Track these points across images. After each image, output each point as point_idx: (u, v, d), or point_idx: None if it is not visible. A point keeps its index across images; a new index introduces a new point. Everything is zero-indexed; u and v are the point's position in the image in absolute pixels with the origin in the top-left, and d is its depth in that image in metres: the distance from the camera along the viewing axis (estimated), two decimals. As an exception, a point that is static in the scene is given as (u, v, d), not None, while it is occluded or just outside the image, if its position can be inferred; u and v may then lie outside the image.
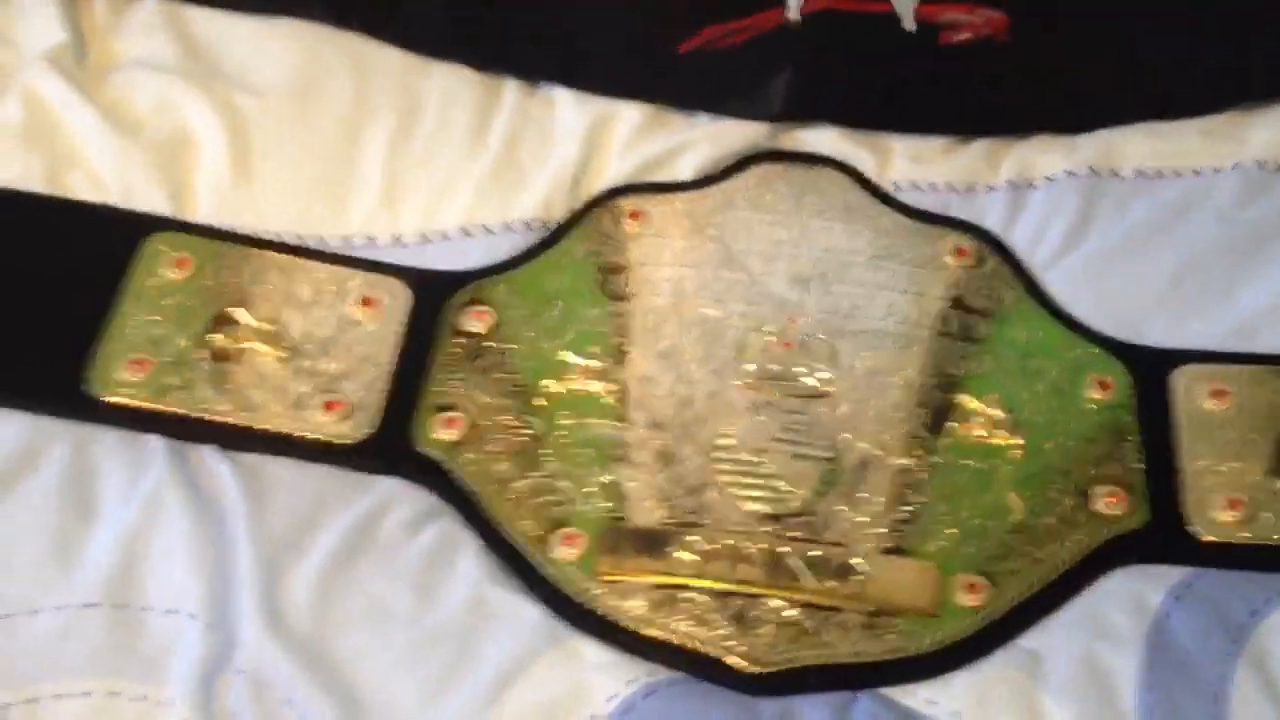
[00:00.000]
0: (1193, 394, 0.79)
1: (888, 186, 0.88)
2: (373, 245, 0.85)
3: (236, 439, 0.76)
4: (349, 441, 0.76)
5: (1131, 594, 0.72)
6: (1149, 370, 0.80)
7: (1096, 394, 0.79)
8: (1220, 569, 0.73)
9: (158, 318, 0.79)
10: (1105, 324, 0.82)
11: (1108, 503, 0.75)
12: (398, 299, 0.82)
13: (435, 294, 0.82)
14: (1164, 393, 0.79)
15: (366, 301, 0.82)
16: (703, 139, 0.89)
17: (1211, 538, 0.74)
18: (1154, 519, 0.75)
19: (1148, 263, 0.84)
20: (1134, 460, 0.77)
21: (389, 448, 0.76)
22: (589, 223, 0.85)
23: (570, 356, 0.80)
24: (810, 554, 0.73)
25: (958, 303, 0.82)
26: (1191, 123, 0.89)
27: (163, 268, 0.81)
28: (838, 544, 0.73)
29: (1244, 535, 0.74)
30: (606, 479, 0.75)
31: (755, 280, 0.83)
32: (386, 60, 0.91)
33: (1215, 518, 0.75)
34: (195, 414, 0.76)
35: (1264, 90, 0.90)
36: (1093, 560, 0.73)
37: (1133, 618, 0.71)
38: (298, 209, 0.85)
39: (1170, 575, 0.73)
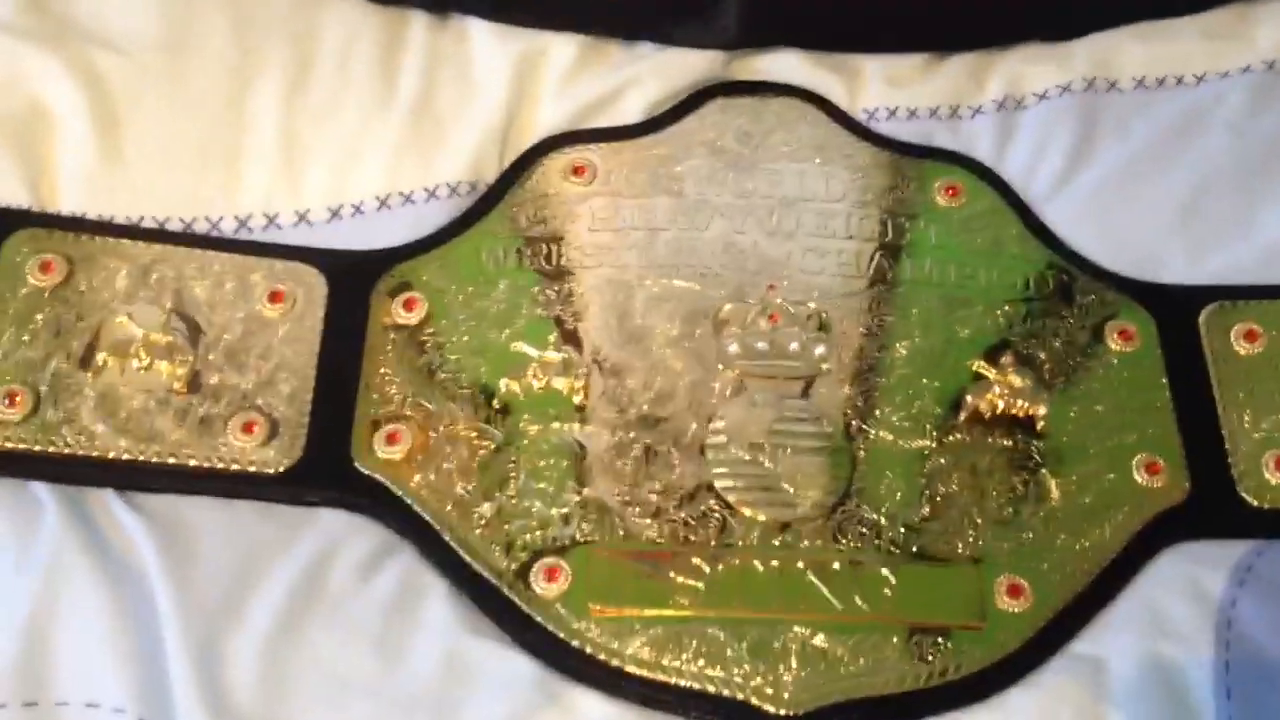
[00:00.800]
0: (1223, 337, 0.71)
1: (861, 116, 0.77)
2: (274, 226, 0.72)
3: (139, 478, 0.64)
4: (275, 469, 0.65)
5: (1189, 580, 0.64)
6: (1172, 313, 0.71)
7: (1118, 344, 0.70)
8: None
9: (28, 337, 0.66)
10: (1116, 261, 0.73)
11: (1148, 473, 0.66)
12: (311, 289, 0.70)
13: (355, 280, 0.70)
14: (1192, 337, 0.71)
15: (275, 296, 0.69)
16: (648, 73, 0.77)
17: (1265, 504, 0.66)
18: (1199, 488, 0.67)
19: (1157, 188, 0.75)
20: (1169, 420, 0.68)
21: (325, 472, 0.65)
22: (526, 182, 0.73)
23: (525, 348, 0.68)
24: (832, 567, 0.63)
25: (956, 252, 0.72)
26: (1191, 21, 0.79)
27: (28, 273, 0.68)
28: (859, 551, 0.63)
29: (1300, 498, 0.67)
30: (586, 494, 0.64)
31: (726, 240, 0.72)
32: (269, -1, 0.77)
33: (1266, 480, 0.67)
34: (86, 452, 0.64)
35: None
36: (1140, 543, 0.65)
37: (1196, 610, 0.63)
38: (181, 188, 0.72)
39: (1226, 554, 0.65)
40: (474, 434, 0.66)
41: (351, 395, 0.67)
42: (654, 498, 0.64)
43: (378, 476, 0.64)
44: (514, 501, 0.64)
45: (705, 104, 0.76)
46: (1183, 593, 0.63)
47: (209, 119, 0.73)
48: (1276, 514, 0.66)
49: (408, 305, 0.69)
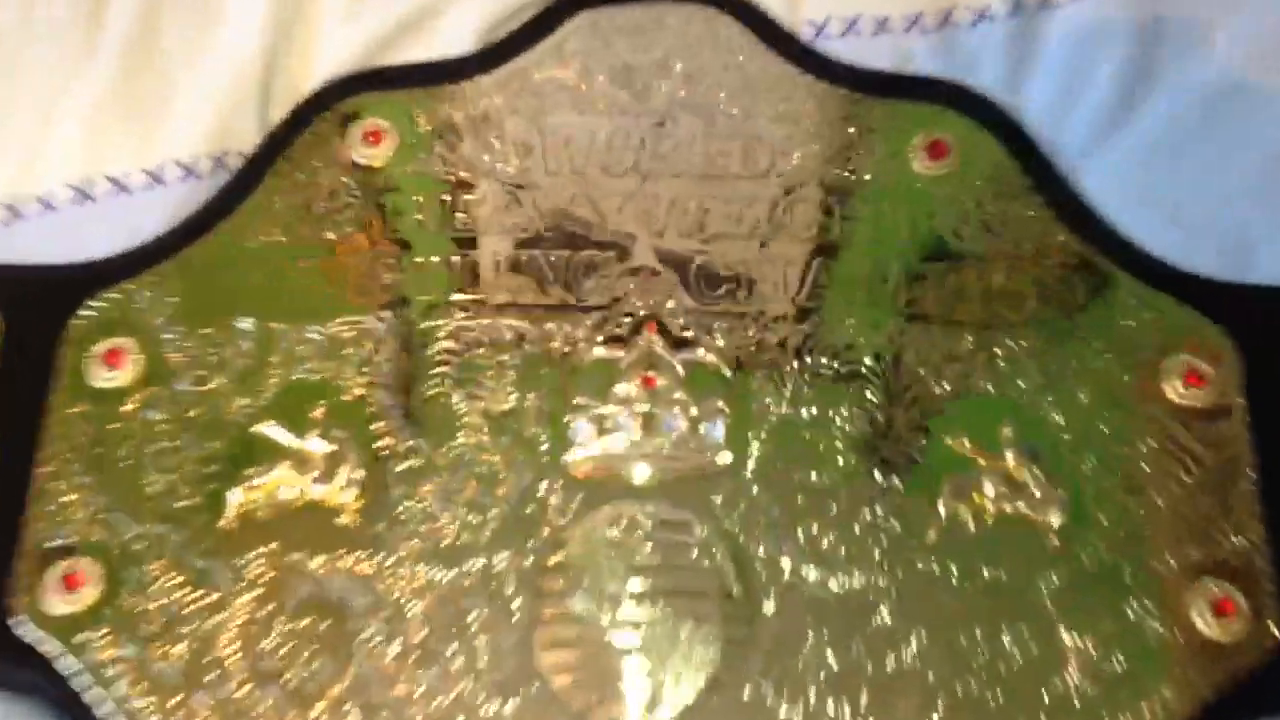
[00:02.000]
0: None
1: (804, 31, 0.56)
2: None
3: None
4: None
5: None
6: (1266, 335, 0.49)
7: (1181, 395, 0.47)
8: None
9: None
10: (1187, 248, 0.51)
11: (1215, 615, 0.45)
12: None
13: (40, 311, 0.50)
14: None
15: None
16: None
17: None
18: (1293, 634, 0.46)
19: (1249, 130, 0.54)
20: (1253, 521, 0.46)
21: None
22: (297, 154, 0.53)
23: (274, 432, 0.47)
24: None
25: (936, 253, 0.50)
26: None
27: None
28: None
29: None
30: (348, 683, 0.44)
31: (587, 250, 0.50)
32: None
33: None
34: None
35: None
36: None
37: None
38: None
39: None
40: (187, 581, 0.44)
41: (18, 509, 0.47)
42: (456, 689, 0.43)
43: (49, 646, 0.45)
44: (243, 692, 0.43)
45: (567, 21, 0.56)
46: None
47: None
48: None
49: (110, 358, 0.49)
